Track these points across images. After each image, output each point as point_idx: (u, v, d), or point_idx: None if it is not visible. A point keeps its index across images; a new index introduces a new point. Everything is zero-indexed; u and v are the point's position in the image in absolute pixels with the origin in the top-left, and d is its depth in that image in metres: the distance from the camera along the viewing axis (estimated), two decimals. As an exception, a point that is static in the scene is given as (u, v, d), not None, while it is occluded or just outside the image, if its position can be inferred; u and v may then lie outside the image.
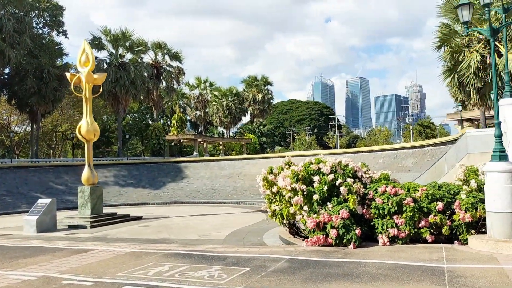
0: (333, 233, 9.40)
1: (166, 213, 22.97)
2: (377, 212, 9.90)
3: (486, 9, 8.83)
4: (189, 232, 15.51)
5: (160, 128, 58.73)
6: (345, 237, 9.34)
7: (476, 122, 45.63)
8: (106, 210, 19.93)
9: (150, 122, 69.75)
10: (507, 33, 26.05)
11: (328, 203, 10.17)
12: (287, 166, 11.84)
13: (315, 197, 10.22)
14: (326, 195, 10.23)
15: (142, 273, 7.61)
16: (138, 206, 29.00)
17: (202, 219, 19.80)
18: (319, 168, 10.65)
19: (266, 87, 73.37)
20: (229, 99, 70.95)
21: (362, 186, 10.52)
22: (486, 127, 36.10)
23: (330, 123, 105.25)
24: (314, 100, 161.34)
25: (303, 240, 11.51)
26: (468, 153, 12.59)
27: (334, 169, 10.60)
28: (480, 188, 10.60)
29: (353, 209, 9.81)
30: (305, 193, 10.41)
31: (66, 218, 17.76)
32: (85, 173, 18.22)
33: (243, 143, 68.98)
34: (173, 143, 62.01)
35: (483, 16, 28.87)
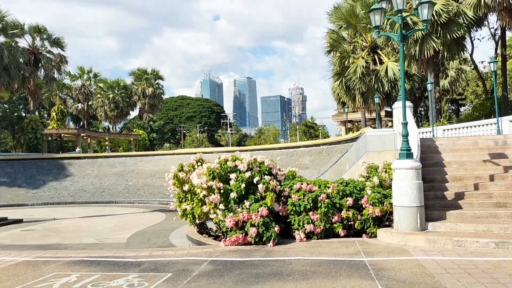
0: (252, 231, 9.21)
1: (50, 215, 20.73)
2: (294, 208, 9.98)
3: (399, 15, 9.40)
4: (83, 235, 14.10)
5: (37, 121, 53.06)
6: (264, 235, 9.21)
7: (356, 124, 49.79)
8: (-23, 214, 17.22)
9: (24, 114, 62.64)
10: (388, 43, 28.72)
11: (245, 201, 9.95)
12: (199, 164, 11.37)
13: (232, 195, 9.92)
14: (243, 193, 10.00)
15: (46, 285, 6.54)
16: (15, 207, 25.77)
17: (94, 221, 18.24)
18: (236, 166, 10.38)
19: (156, 81, 70.84)
20: (116, 92, 66.94)
21: (278, 183, 10.52)
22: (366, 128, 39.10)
23: (222, 120, 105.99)
24: (204, 98, 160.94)
25: (214, 239, 11.16)
26: (367, 151, 13.40)
27: (250, 166, 10.42)
28: (381, 184, 11.36)
29: (271, 207, 9.74)
30: (221, 191, 10.06)
31: None
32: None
33: (131, 139, 65.82)
34: (52, 138, 56.55)
35: (369, 25, 31.42)
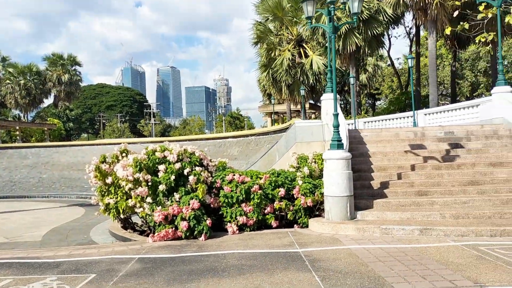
0: (183, 225, 8.79)
1: (-51, 212, 18.50)
2: (226, 200, 9.70)
3: (332, 6, 9.43)
4: (-9, 234, 12.68)
5: None
6: (196, 228, 8.84)
7: (282, 115, 50.66)
8: None
9: None
10: (314, 37, 29.33)
11: (174, 193, 9.49)
12: (124, 155, 10.67)
13: (161, 187, 9.40)
14: (173, 185, 9.52)
15: None
16: None
17: (4, 217, 16.57)
18: (165, 156, 9.85)
19: (73, 68, 66.44)
20: (28, 78, 61.78)
21: (209, 174, 10.17)
22: (291, 120, 39.91)
23: (144, 110, 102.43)
24: (125, 86, 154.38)
25: (140, 235, 10.57)
26: (296, 142, 13.51)
27: (180, 157, 9.95)
28: (311, 174, 11.48)
29: (203, 199, 9.38)
30: (149, 183, 9.49)
31: None
32: None
33: (45, 128, 61.13)
34: (-49, 127, 50.76)
35: (295, 19, 31.90)
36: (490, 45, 19.69)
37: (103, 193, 10.44)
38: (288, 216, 9.86)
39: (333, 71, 10.05)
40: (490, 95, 14.70)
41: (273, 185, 10.21)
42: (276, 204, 9.85)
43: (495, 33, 19.02)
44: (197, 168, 9.81)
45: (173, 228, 8.95)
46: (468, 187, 10.27)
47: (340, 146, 9.51)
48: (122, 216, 10.48)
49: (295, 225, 9.92)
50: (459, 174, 10.96)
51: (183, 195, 9.37)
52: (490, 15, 18.06)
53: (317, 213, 10.14)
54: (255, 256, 7.27)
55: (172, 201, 9.37)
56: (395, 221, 8.97)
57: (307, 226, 9.72)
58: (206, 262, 7.03)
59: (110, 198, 10.16)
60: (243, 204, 9.70)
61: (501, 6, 13.58)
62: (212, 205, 9.78)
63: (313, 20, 10.45)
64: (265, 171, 11.51)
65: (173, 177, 9.51)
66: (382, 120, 21.60)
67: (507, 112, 13.30)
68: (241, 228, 9.58)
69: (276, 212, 9.97)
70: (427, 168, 11.35)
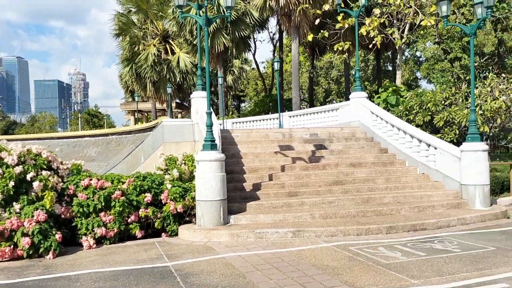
0: (25, 242, 7.21)
1: None
2: (81, 210, 8.32)
3: (207, -3, 8.77)
4: None
5: None
6: (42, 245, 7.34)
7: (146, 114, 48.41)
8: None
9: None
10: (181, 33, 28.44)
11: (14, 203, 7.78)
12: None
13: (-4, 196, 7.61)
14: (12, 193, 7.80)
15: None
16: None
17: None
18: (1, 158, 8.03)
19: None
20: None
21: (60, 179, 8.63)
22: (157, 119, 38.40)
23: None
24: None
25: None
26: (164, 142, 12.57)
27: (22, 159, 8.23)
28: (181, 177, 10.68)
29: (51, 209, 7.87)
30: (-21, 192, 7.60)
31: None
32: None
33: None
34: None
35: (161, 13, 30.59)
36: (346, 53, 21.38)
37: None
38: (156, 224, 8.89)
39: (207, 66, 9.41)
40: (340, 101, 15.84)
41: (138, 190, 9.13)
42: (142, 212, 8.80)
43: (351, 42, 20.69)
44: (44, 173, 8.22)
45: (11, 246, 7.29)
46: (333, 187, 10.60)
47: (213, 147, 8.90)
48: None
49: (163, 234, 8.99)
50: (325, 174, 11.30)
51: (26, 205, 7.73)
52: (346, 26, 19.56)
53: (188, 219, 9.37)
54: (117, 275, 6.20)
55: (11, 213, 7.65)
56: (268, 224, 8.71)
57: (177, 235, 8.88)
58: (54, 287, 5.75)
59: None
60: (102, 213, 8.43)
61: (358, 16, 14.58)
62: (63, 216, 8.29)
63: (183, 9, 9.67)
64: (129, 175, 10.34)
65: (11, 183, 7.79)
66: (250, 121, 21.80)
67: (362, 116, 14.30)
68: (100, 241, 8.30)
69: (142, 221, 8.92)
70: (296, 168, 11.47)
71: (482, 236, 8.08)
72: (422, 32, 35.02)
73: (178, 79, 30.01)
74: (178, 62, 29.83)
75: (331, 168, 11.70)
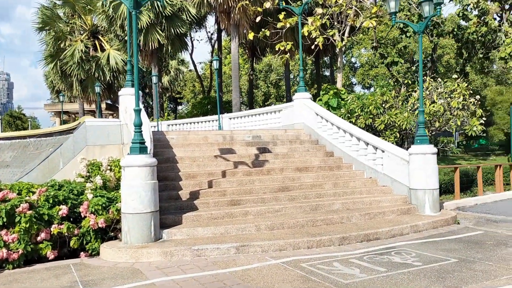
0: None
1: None
2: (-26, 228, 6.70)
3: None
4: None
5: None
6: None
7: (73, 115, 45.04)
8: None
9: None
10: (111, 28, 26.47)
11: None
12: None
13: None
14: None
15: None
16: None
17: None
18: None
19: None
20: None
21: None
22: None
23: None
24: None
25: None
26: (87, 145, 11.05)
27: None
28: (105, 185, 9.31)
29: None
30: None
31: None
32: None
33: None
34: None
35: (89, 6, 28.39)
36: (288, 53, 20.79)
37: None
38: (71, 243, 7.44)
39: (135, 57, 8.11)
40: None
41: (51, 201, 7.65)
42: (55, 228, 7.31)
43: (293, 42, 20.10)
44: None
45: None
46: (279, 194, 9.70)
47: (143, 150, 7.63)
48: None
49: (82, 253, 7.56)
50: (270, 180, 10.38)
51: None
52: (288, 25, 18.94)
53: (113, 234, 7.99)
54: (13, 316, 4.79)
55: None
56: (208, 238, 7.59)
57: (98, 254, 7.49)
58: None
59: None
60: (4, 231, 6.88)
61: (302, 14, 13.91)
62: (-49, 236, 6.63)
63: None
64: (44, 183, 8.78)
65: None
66: (187, 124, 20.48)
67: (306, 118, 13.62)
68: (0, 265, 6.73)
69: (55, 239, 7.44)
70: (238, 174, 10.44)
71: (439, 245, 7.53)
72: (361, 35, 35.69)
73: (108, 78, 27.87)
74: (108, 60, 27.71)
75: (276, 173, 10.81)
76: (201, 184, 9.60)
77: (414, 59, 34.36)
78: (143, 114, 9.53)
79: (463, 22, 25.88)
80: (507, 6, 26.13)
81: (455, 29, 24.82)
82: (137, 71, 8.09)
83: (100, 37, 30.32)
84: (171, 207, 8.58)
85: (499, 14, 26.10)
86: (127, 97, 11.29)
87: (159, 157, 10.30)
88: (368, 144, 11.38)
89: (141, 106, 11.18)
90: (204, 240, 7.43)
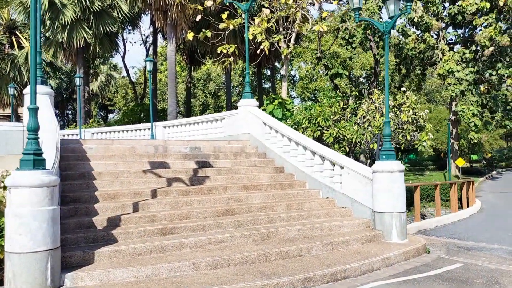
0: None
1: None
2: None
3: None
4: None
5: None
6: None
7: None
8: None
9: None
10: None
11: None
12: None
13: None
14: None
15: None
16: None
17: None
18: None
19: None
20: None
21: None
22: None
23: None
24: None
25: None
26: (-23, 155, 8.59)
27: None
28: None
29: None
30: None
31: None
32: None
33: None
34: None
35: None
36: (232, 57, 19.16)
37: None
38: None
39: (32, 40, 6.02)
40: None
41: None
42: None
43: (236, 45, 18.52)
44: None
45: None
46: (223, 219, 7.91)
47: (39, 163, 5.52)
48: None
49: None
50: (211, 201, 8.56)
51: None
52: (231, 27, 17.36)
53: (-5, 278, 5.77)
54: None
55: None
56: (129, 284, 5.62)
57: (-34, 312, 5.25)
58: None
59: None
60: None
61: (248, 10, 12.38)
62: None
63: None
64: None
65: None
66: (115, 132, 18.06)
67: (253, 128, 12.03)
68: None
69: None
70: (172, 193, 8.51)
71: (421, 286, 6.13)
72: (303, 48, 35.02)
73: (25, 79, 24.59)
74: (26, 59, 24.48)
75: (219, 192, 9.02)
76: (124, 207, 7.55)
77: (351, 75, 34.33)
78: (48, 117, 7.38)
79: (402, 38, 25.91)
80: (443, 25, 26.60)
81: (396, 44, 24.69)
82: (36, 59, 6.00)
83: (18, 33, 26.93)
84: (80, 239, 6.47)
85: (436, 32, 26.49)
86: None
87: (70, 172, 8.15)
88: (324, 158, 9.96)
89: (51, 107, 8.97)
90: (123, 287, 5.46)
